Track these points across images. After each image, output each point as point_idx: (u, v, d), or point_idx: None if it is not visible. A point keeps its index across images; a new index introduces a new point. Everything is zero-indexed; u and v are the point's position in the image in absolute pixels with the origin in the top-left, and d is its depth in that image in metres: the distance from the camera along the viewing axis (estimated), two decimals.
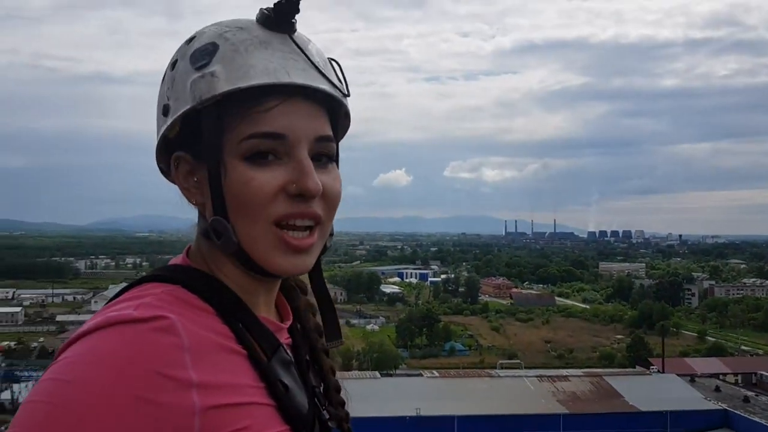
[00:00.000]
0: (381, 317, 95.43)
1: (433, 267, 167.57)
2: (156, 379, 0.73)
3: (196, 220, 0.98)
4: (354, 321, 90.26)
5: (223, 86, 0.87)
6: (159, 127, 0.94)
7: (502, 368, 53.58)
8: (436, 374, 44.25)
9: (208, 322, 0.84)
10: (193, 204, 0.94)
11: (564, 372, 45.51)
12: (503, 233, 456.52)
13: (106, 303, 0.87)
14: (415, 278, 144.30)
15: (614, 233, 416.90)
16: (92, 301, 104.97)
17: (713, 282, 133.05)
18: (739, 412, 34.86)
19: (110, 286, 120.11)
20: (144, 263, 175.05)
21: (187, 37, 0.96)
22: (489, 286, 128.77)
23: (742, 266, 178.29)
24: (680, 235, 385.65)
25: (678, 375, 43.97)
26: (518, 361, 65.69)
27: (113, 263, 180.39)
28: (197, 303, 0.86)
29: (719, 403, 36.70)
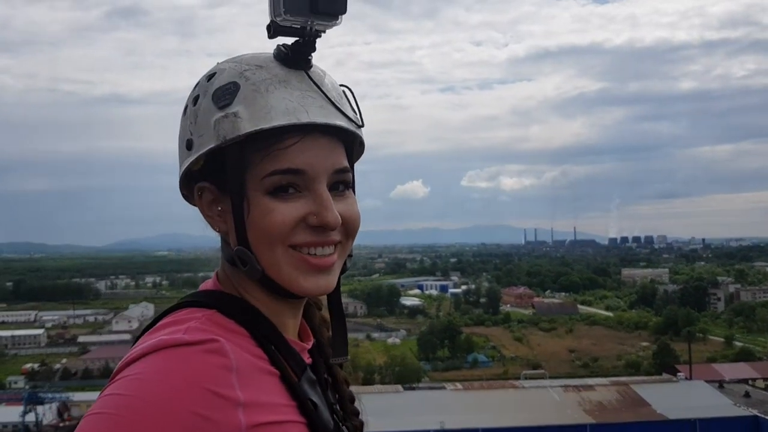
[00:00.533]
0: (402, 330, 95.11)
1: (453, 278, 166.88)
2: (209, 398, 0.78)
3: (219, 245, 1.05)
4: (375, 334, 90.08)
5: (246, 127, 0.92)
6: (182, 159, 1.00)
7: (526, 379, 53.05)
8: (460, 386, 43.95)
9: (245, 345, 0.90)
10: (216, 231, 1.01)
11: (589, 381, 45.10)
12: (523, 242, 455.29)
13: (147, 327, 0.94)
14: (436, 290, 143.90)
15: (636, 239, 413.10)
16: (113, 321, 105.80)
17: (739, 286, 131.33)
18: None
19: (130, 306, 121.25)
20: (164, 282, 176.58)
21: (207, 72, 1.01)
22: (510, 296, 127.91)
23: None
24: (703, 239, 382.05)
25: (706, 381, 43.51)
26: (542, 371, 64.97)
27: (133, 283, 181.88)
28: (233, 327, 0.92)
29: (749, 409, 36.25)
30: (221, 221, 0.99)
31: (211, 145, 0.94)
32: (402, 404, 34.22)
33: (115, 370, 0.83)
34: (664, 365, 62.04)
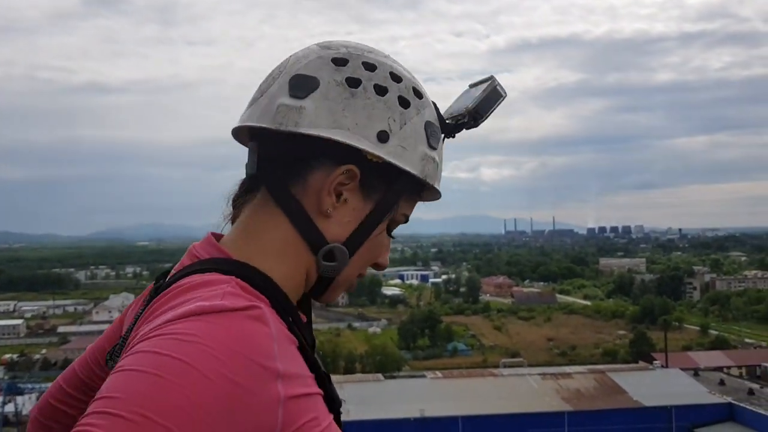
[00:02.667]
0: (383, 320, 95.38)
1: (433, 268, 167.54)
2: (251, 367, 0.75)
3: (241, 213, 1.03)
4: (356, 324, 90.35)
5: (436, 180, 1.05)
6: (357, 133, 0.96)
7: (505, 367, 53.61)
8: (440, 375, 44.23)
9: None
10: (324, 210, 0.98)
11: (567, 369, 45.51)
12: (503, 232, 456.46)
13: (162, 286, 0.93)
14: (416, 280, 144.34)
15: (614, 229, 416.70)
16: (93, 311, 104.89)
17: (714, 275, 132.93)
18: (744, 405, 34.82)
19: (111, 296, 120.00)
20: (144, 272, 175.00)
21: (402, 81, 1.03)
22: (490, 286, 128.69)
23: (743, 259, 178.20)
24: (680, 229, 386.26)
25: (682, 369, 44.02)
26: (521, 359, 65.69)
27: (113, 273, 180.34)
28: (258, 295, 0.89)
29: (724, 397, 36.75)
30: (333, 205, 0.98)
31: (415, 172, 1.00)
32: (382, 393, 34.47)
33: (148, 329, 0.80)
34: (640, 353, 62.69)
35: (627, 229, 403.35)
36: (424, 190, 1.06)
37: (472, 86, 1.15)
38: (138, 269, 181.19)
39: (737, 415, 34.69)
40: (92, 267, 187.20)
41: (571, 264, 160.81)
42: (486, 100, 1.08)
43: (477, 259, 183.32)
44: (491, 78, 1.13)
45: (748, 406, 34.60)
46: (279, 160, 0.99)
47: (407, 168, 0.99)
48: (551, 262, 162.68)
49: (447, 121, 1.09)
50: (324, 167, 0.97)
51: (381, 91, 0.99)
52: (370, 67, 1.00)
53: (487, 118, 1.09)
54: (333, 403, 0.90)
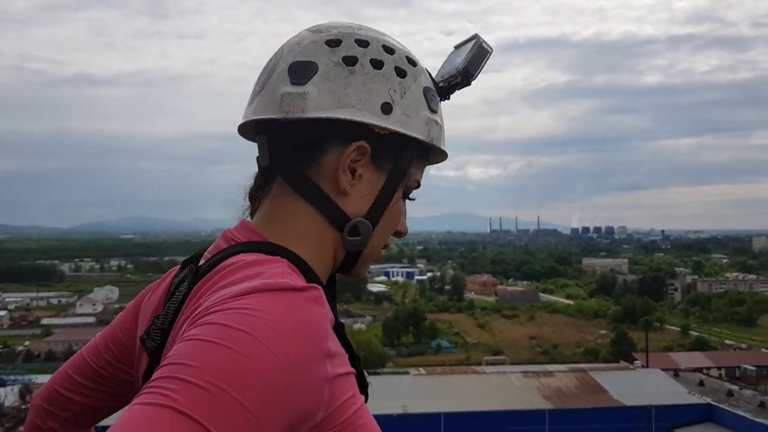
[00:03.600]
0: (368, 316, 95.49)
1: (419, 265, 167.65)
2: (311, 348, 0.78)
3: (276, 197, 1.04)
4: (341, 320, 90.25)
5: (441, 143, 1.10)
6: (363, 109, 0.99)
7: (487, 365, 53.96)
8: (423, 372, 44.46)
9: None
10: (342, 188, 1.00)
11: (549, 368, 45.80)
12: (488, 231, 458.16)
13: (212, 265, 0.94)
14: (402, 277, 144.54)
15: (597, 229, 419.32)
16: (77, 304, 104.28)
17: (696, 277, 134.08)
18: (723, 406, 35.16)
19: (95, 289, 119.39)
20: (129, 265, 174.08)
21: (391, 49, 1.06)
22: (474, 284, 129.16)
23: (725, 261, 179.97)
24: (663, 231, 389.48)
25: (662, 369, 44.34)
26: (503, 357, 66.08)
27: (98, 266, 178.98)
28: (301, 276, 0.92)
29: (703, 397, 37.05)
30: (350, 183, 1.01)
31: (421, 137, 1.04)
32: None
33: (212, 301, 0.82)
34: (621, 353, 63.14)
35: (610, 230, 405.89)
36: (430, 153, 1.11)
37: (457, 47, 1.17)
38: (123, 262, 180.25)
39: (716, 416, 35.01)
40: (77, 259, 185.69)
41: (554, 263, 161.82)
42: (474, 58, 1.11)
43: (462, 257, 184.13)
44: (476, 36, 1.15)
45: (727, 407, 34.95)
46: (290, 148, 1.01)
47: (414, 134, 1.02)
48: (535, 261, 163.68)
49: (440, 84, 1.12)
50: (335, 147, 0.99)
51: (377, 64, 1.02)
52: (363, 43, 1.02)
53: (477, 75, 1.12)
54: (363, 384, 0.92)
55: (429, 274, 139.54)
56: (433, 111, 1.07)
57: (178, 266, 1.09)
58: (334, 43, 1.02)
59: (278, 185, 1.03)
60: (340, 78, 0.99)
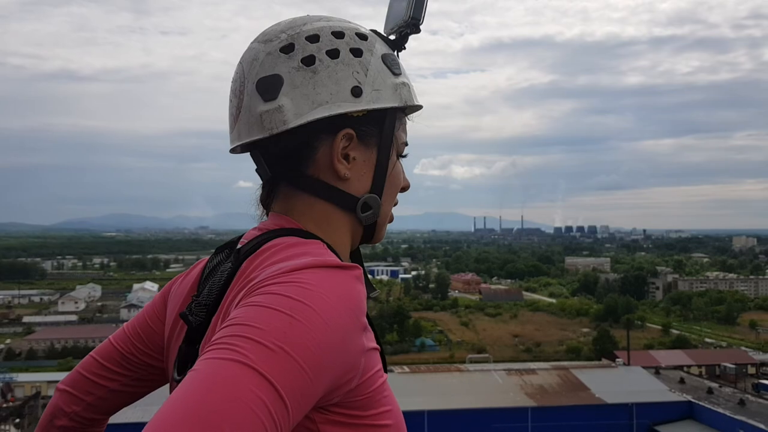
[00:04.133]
0: None
1: (403, 264, 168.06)
2: (355, 321, 0.87)
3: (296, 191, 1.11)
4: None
5: (414, 99, 1.16)
6: (336, 101, 1.05)
7: (471, 363, 54.08)
8: (407, 370, 44.39)
9: None
10: (340, 176, 1.08)
11: (532, 365, 45.98)
12: (472, 230, 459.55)
13: (255, 247, 1.03)
14: (386, 275, 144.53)
15: (580, 228, 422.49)
16: (59, 302, 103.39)
17: (677, 276, 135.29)
18: (703, 404, 35.30)
19: (77, 287, 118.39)
20: (111, 263, 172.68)
21: (335, 25, 1.11)
22: (459, 282, 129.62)
23: (705, 260, 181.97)
24: (644, 230, 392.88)
25: (643, 367, 44.65)
26: (487, 355, 66.30)
27: (80, 263, 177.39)
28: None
29: (684, 395, 37.25)
30: (347, 168, 1.08)
31: (395, 104, 1.11)
32: None
33: (268, 275, 0.89)
34: (603, 351, 63.63)
35: (593, 229, 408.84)
36: (407, 110, 1.18)
37: None
38: (105, 260, 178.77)
39: (696, 414, 35.31)
40: (58, 257, 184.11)
41: (537, 262, 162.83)
42: (416, 4, 1.15)
43: (446, 256, 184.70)
44: None
45: (706, 405, 35.20)
46: (285, 155, 1.08)
47: (388, 105, 1.10)
48: (519, 260, 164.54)
49: (391, 38, 1.18)
50: (324, 142, 1.06)
51: (334, 54, 1.06)
52: (313, 38, 1.07)
53: (424, 19, 1.17)
54: (384, 362, 1.00)
55: (413, 273, 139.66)
56: (397, 74, 1.13)
57: (206, 258, 1.18)
58: (287, 48, 1.06)
59: (285, 189, 1.11)
60: (306, 81, 1.04)
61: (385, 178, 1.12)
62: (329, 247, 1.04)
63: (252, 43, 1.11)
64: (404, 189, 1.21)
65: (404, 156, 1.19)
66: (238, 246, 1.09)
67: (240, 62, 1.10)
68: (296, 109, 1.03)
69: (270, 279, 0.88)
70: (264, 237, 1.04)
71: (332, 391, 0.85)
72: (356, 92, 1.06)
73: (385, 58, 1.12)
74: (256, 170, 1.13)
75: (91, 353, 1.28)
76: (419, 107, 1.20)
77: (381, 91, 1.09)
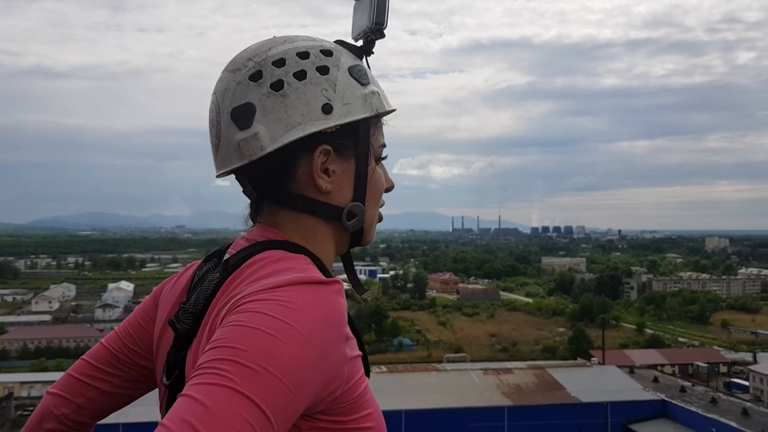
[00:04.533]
0: None
1: (382, 263, 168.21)
2: (336, 334, 0.91)
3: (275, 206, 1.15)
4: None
5: (385, 105, 1.18)
6: (309, 120, 1.08)
7: (448, 362, 54.27)
8: (385, 369, 44.40)
9: None
10: (322, 190, 1.11)
11: (508, 365, 46.21)
12: (450, 229, 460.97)
13: (239, 262, 1.06)
14: (365, 275, 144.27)
15: (556, 229, 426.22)
16: (33, 301, 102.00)
17: (651, 276, 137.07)
18: (676, 402, 35.86)
19: (51, 286, 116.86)
20: (86, 262, 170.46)
21: (300, 45, 1.13)
22: (436, 282, 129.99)
23: (679, 260, 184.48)
24: (619, 231, 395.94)
25: (618, 366, 45.13)
26: (464, 354, 66.60)
27: (54, 263, 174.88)
28: (318, 271, 1.04)
29: (657, 394, 37.75)
30: (328, 182, 1.11)
31: (366, 115, 1.13)
32: None
33: (251, 291, 0.93)
34: (579, 350, 64.11)
35: (569, 230, 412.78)
36: (380, 116, 1.20)
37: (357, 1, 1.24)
38: (80, 259, 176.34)
39: (669, 412, 35.78)
40: (32, 256, 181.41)
41: (514, 262, 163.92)
42: (378, 8, 1.18)
43: (424, 256, 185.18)
44: None
45: (679, 403, 35.71)
46: (267, 177, 1.11)
47: (360, 116, 1.12)
48: (496, 260, 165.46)
49: (358, 44, 1.21)
50: (303, 160, 1.10)
51: (301, 75, 1.09)
52: (279, 63, 1.10)
53: (387, 23, 1.19)
54: (367, 366, 1.05)
55: (392, 273, 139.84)
56: (365, 84, 1.15)
57: (199, 261, 1.22)
58: (256, 76, 1.09)
59: (270, 205, 1.14)
60: (277, 105, 1.07)
61: (366, 185, 1.15)
62: (315, 259, 1.08)
63: (222, 72, 1.14)
64: (388, 189, 1.24)
65: (383, 158, 1.21)
66: (227, 256, 1.11)
67: (214, 92, 1.14)
68: (271, 134, 1.07)
69: (253, 296, 0.91)
70: (252, 250, 1.08)
71: (318, 401, 0.90)
72: (327, 109, 1.09)
73: (351, 71, 1.14)
74: (243, 191, 1.17)
75: (82, 357, 1.30)
76: (391, 110, 1.22)
77: (351, 104, 1.11)
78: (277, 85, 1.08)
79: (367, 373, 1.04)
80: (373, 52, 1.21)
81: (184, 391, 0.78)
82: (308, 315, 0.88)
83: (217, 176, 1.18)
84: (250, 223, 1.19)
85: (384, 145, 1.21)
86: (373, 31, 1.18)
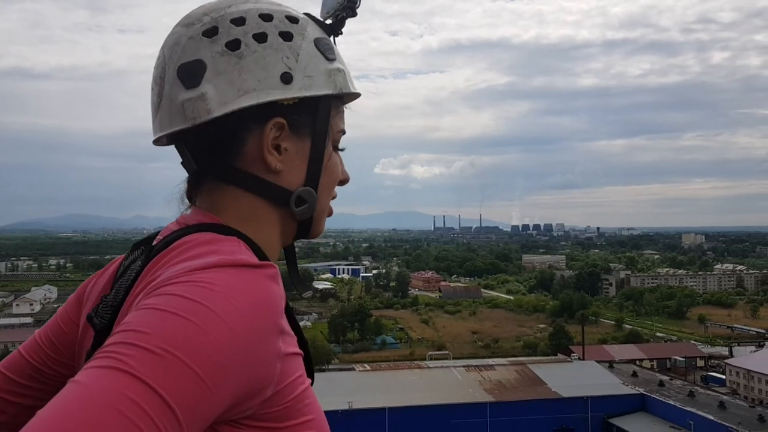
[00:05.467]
0: (313, 313, 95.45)
1: (364, 262, 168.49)
2: (267, 324, 0.80)
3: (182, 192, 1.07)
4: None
5: (350, 86, 1.07)
6: (264, 88, 0.98)
7: (431, 360, 54.85)
8: (368, 368, 44.89)
9: None
10: (271, 168, 1.00)
11: (490, 361, 46.89)
12: (432, 228, 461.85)
13: (165, 245, 0.95)
14: (347, 274, 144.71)
15: (536, 227, 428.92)
16: (14, 303, 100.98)
17: (629, 272, 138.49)
18: (654, 396, 36.76)
19: (32, 288, 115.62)
20: (68, 264, 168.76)
21: (262, 7, 1.03)
22: (419, 280, 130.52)
23: (656, 257, 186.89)
24: (598, 228, 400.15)
25: (597, 361, 45.96)
26: (446, 352, 67.22)
27: (35, 265, 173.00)
28: (254, 256, 0.93)
29: (636, 388, 38.64)
30: (279, 160, 1.00)
31: (329, 92, 1.02)
32: None
33: (170, 274, 0.83)
34: (559, 346, 65.09)
35: (549, 227, 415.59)
36: (345, 98, 1.10)
37: None
38: (62, 261, 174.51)
39: (648, 406, 36.60)
40: (13, 258, 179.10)
41: (496, 260, 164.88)
42: None
43: (407, 255, 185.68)
44: None
45: (658, 397, 36.56)
46: (210, 147, 1.00)
47: (322, 92, 1.02)
48: (477, 258, 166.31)
49: (328, 22, 1.10)
50: (253, 132, 0.99)
51: (261, 38, 0.99)
52: (239, 21, 1.00)
53: (360, 2, 1.10)
54: (310, 368, 0.95)
55: (374, 272, 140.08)
56: (331, 59, 1.05)
57: (125, 253, 1.10)
58: (211, 32, 0.99)
59: (211, 183, 1.03)
60: (230, 66, 0.97)
61: (321, 170, 1.05)
62: (252, 244, 0.97)
63: (174, 27, 1.04)
64: (343, 182, 1.13)
65: (341, 149, 1.12)
66: (154, 242, 1.02)
67: (162, 47, 1.03)
68: (220, 96, 0.96)
69: (170, 279, 0.81)
70: (179, 233, 0.97)
71: (243, 401, 0.78)
72: (286, 79, 0.99)
73: (318, 43, 1.05)
74: (182, 163, 1.06)
75: None
76: (357, 95, 1.13)
77: (313, 77, 1.02)
78: (233, 45, 0.98)
79: (310, 376, 0.93)
80: (342, 32, 1.11)
81: (74, 377, 0.69)
82: (231, 298, 0.78)
83: (154, 141, 1.07)
84: (187, 203, 1.07)
85: (343, 132, 1.11)
86: (344, 7, 1.08)
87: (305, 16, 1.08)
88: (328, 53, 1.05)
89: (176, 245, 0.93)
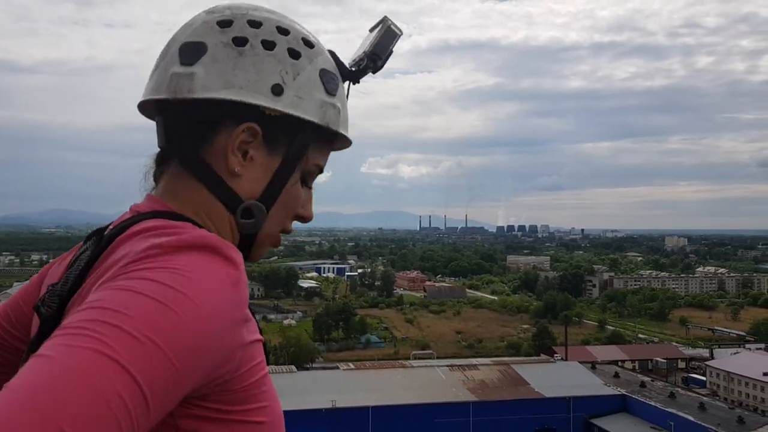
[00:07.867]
0: (298, 312, 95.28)
1: (350, 262, 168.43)
2: (234, 312, 0.80)
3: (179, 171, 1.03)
4: (271, 316, 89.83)
5: (341, 127, 1.07)
6: (252, 91, 0.98)
7: (415, 359, 54.96)
8: (352, 366, 44.92)
9: None
10: (232, 169, 0.99)
11: (474, 361, 47.04)
12: (418, 228, 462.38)
13: (119, 231, 0.93)
14: (333, 273, 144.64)
15: (521, 228, 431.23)
16: None
17: (612, 274, 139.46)
18: (636, 397, 37.10)
19: (14, 284, 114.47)
20: (51, 260, 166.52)
21: (277, 24, 1.04)
22: (404, 280, 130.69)
23: (639, 259, 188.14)
24: (582, 230, 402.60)
25: (580, 362, 46.27)
26: (430, 351, 67.42)
27: (18, 260, 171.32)
28: None
29: (618, 389, 38.98)
30: (241, 164, 0.99)
31: (314, 119, 1.02)
32: (295, 384, 34.68)
33: (133, 254, 0.82)
34: (542, 346, 65.43)
35: (534, 228, 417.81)
36: (334, 139, 1.09)
37: (371, 30, 1.17)
38: (44, 256, 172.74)
39: (630, 406, 36.93)
40: None
41: (480, 260, 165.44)
42: (382, 40, 1.11)
43: (392, 254, 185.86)
44: (384, 18, 1.15)
45: (639, 398, 36.90)
46: (183, 128, 1.01)
47: (306, 117, 1.01)
48: (462, 258, 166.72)
49: (351, 68, 1.11)
50: (227, 129, 0.99)
51: (269, 45, 1.00)
52: (255, 24, 1.01)
53: (387, 59, 1.12)
54: (266, 351, 0.95)
55: (360, 271, 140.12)
56: (330, 94, 1.05)
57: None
58: (225, 23, 1.01)
59: (175, 165, 1.02)
60: (228, 59, 0.98)
61: (281, 192, 1.02)
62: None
63: (200, 12, 1.07)
64: (302, 219, 1.10)
65: (310, 187, 1.09)
66: (106, 232, 0.99)
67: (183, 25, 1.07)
68: (207, 82, 0.98)
69: (143, 261, 0.80)
70: (130, 221, 0.95)
71: (202, 385, 0.79)
72: (276, 90, 0.99)
73: (323, 74, 1.05)
74: (157, 140, 1.07)
75: None
76: (347, 142, 1.13)
77: (304, 100, 1.01)
78: (240, 41, 1.00)
79: (268, 362, 0.94)
80: (358, 82, 1.13)
81: (42, 350, 0.67)
82: (205, 287, 0.78)
83: (140, 109, 1.08)
84: (152, 182, 1.07)
85: (320, 170, 1.09)
86: (368, 56, 1.10)
87: (325, 49, 1.08)
88: (329, 87, 1.04)
89: (129, 233, 0.91)
